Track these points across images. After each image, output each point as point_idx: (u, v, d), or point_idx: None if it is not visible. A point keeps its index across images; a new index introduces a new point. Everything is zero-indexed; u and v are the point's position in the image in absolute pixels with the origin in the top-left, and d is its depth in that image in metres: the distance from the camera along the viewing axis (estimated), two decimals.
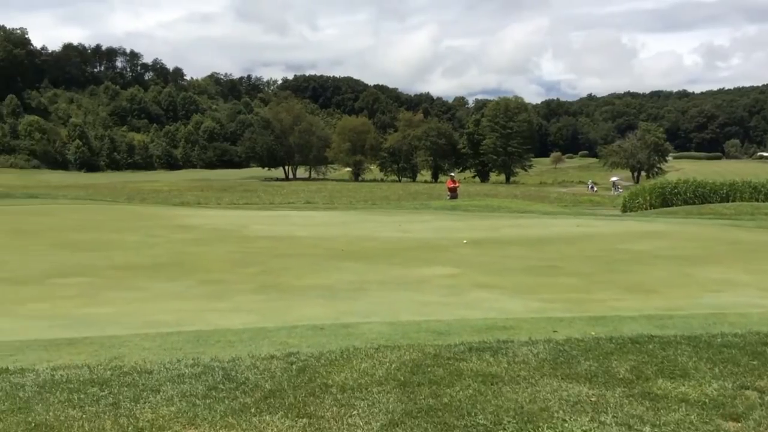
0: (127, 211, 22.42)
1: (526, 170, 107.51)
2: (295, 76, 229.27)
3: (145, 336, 5.99)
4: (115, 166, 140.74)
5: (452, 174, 45.32)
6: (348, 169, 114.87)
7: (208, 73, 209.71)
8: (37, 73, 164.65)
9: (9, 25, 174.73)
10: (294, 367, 5.01)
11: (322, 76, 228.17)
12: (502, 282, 9.54)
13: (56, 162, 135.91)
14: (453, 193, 36.56)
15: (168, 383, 4.59)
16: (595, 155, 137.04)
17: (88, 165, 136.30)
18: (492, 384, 4.72)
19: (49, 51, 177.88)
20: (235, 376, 4.76)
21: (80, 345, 5.67)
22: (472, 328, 6.47)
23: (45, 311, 7.22)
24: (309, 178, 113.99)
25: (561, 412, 4.23)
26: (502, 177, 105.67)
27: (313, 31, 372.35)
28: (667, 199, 35.32)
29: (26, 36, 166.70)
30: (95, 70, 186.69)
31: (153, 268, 10.31)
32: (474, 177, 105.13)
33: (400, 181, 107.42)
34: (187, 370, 4.87)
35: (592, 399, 4.49)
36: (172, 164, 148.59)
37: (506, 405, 4.31)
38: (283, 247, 13.47)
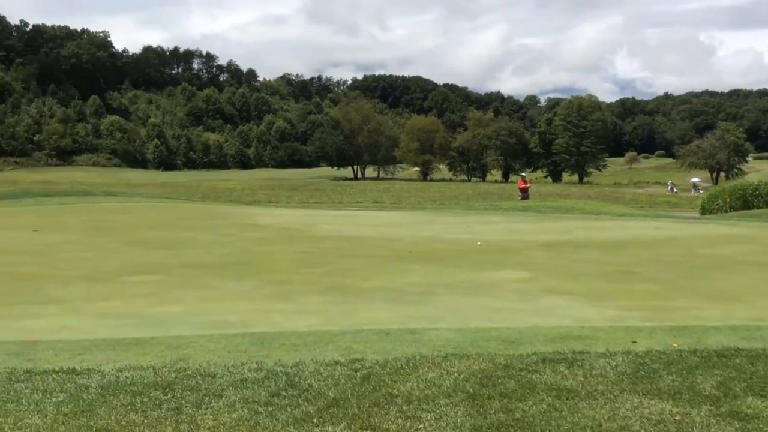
0: (201, 210, 22.85)
1: (600, 170, 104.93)
2: (364, 76, 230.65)
3: (211, 337, 5.95)
4: (191, 165, 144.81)
5: (523, 174, 44.55)
6: (416, 168, 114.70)
7: (280, 74, 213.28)
8: (119, 75, 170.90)
9: (93, 29, 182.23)
10: (358, 374, 4.85)
11: (391, 76, 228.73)
12: (577, 287, 9.17)
13: (136, 161, 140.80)
14: (524, 193, 35.91)
15: (231, 388, 4.50)
16: (671, 155, 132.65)
17: (166, 164, 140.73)
18: (567, 399, 4.45)
19: (130, 53, 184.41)
20: (299, 383, 4.64)
21: (147, 345, 5.66)
22: (545, 337, 6.17)
23: (115, 309, 7.29)
24: (377, 178, 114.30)
25: (642, 431, 3.93)
26: (575, 177, 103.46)
27: (383, 31, 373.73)
28: (748, 201, 33.76)
29: (108, 39, 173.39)
30: (173, 71, 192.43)
31: (222, 267, 10.37)
32: (546, 177, 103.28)
33: (469, 180, 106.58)
34: (250, 375, 4.78)
35: (676, 418, 4.16)
36: (245, 163, 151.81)
37: (583, 422, 4.04)
38: (350, 247, 13.38)
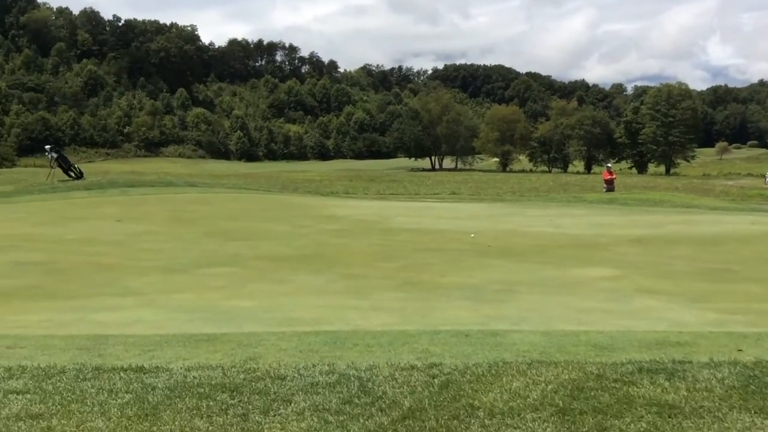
0: (279, 201, 22.97)
1: (688, 161, 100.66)
2: (445, 65, 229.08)
3: (282, 335, 5.72)
4: (272, 156, 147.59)
5: (609, 165, 43.00)
6: (495, 159, 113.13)
7: (361, 65, 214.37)
8: (205, 68, 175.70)
9: (181, 23, 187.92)
10: (436, 381, 4.50)
11: (472, 65, 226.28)
12: (671, 287, 8.53)
13: (219, 152, 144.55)
14: (609, 185, 34.61)
15: (300, 393, 4.24)
16: (765, 145, 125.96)
17: (248, 155, 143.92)
18: (670, 417, 3.98)
19: (216, 47, 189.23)
20: (372, 389, 4.33)
21: (218, 342, 5.49)
22: (639, 343, 5.66)
23: (189, 303, 7.19)
24: (455, 169, 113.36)
25: None
26: (661, 168, 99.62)
27: (465, 19, 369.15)
28: None
29: (196, 33, 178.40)
30: (257, 64, 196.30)
31: (297, 260, 10.21)
32: (631, 168, 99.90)
33: (550, 171, 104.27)
34: (321, 378, 4.51)
35: None
36: (324, 154, 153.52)
37: None
38: (427, 240, 13.03)
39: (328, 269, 9.42)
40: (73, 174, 27.05)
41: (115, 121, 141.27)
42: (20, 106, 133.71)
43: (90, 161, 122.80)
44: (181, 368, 4.71)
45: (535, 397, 4.24)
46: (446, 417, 3.91)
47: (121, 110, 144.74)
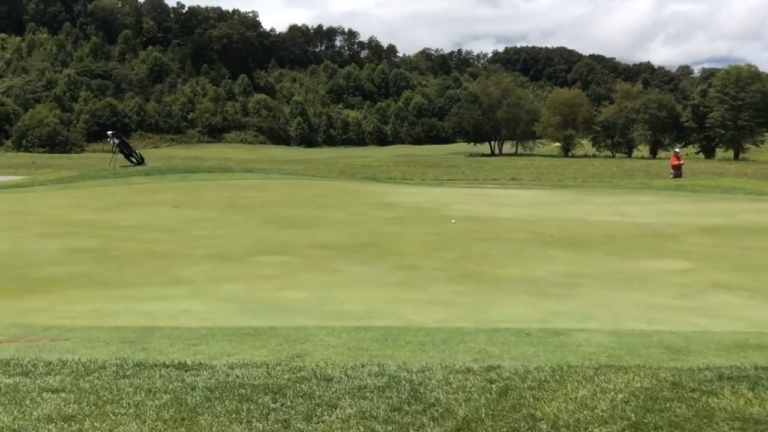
0: (335, 187, 22.81)
1: (757, 146, 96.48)
2: (505, 48, 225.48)
3: (332, 330, 5.46)
4: (330, 141, 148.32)
5: (677, 150, 41.44)
6: (557, 144, 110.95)
7: (420, 49, 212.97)
8: (266, 54, 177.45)
9: (243, 9, 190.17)
10: (494, 387, 4.15)
11: (533, 48, 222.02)
12: (749, 282, 7.92)
13: (279, 138, 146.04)
14: (677, 170, 33.24)
15: (347, 397, 3.95)
16: None
17: (307, 141, 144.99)
18: None
19: (277, 32, 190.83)
20: (424, 394, 4.01)
21: (265, 337, 5.26)
22: (718, 346, 5.19)
23: (239, 293, 7.01)
24: (515, 154, 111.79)
25: None
26: (729, 153, 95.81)
27: (525, 1, 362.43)
28: None
29: (257, 19, 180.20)
30: (316, 49, 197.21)
31: (351, 249, 9.95)
32: (697, 153, 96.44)
33: (614, 156, 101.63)
34: (370, 381, 4.21)
35: None
36: (382, 140, 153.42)
37: None
38: (485, 229, 12.60)
39: (382, 259, 9.13)
40: (134, 160, 27.50)
41: (179, 108, 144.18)
42: (88, 92, 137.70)
43: (155, 147, 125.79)
44: (224, 365, 4.49)
45: (604, 408, 3.84)
46: (505, 429, 3.57)
47: (185, 97, 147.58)
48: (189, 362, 4.53)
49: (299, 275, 7.98)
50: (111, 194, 17.11)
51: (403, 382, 4.20)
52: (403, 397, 3.97)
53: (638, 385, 4.24)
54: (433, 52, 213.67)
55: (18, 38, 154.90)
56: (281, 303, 6.56)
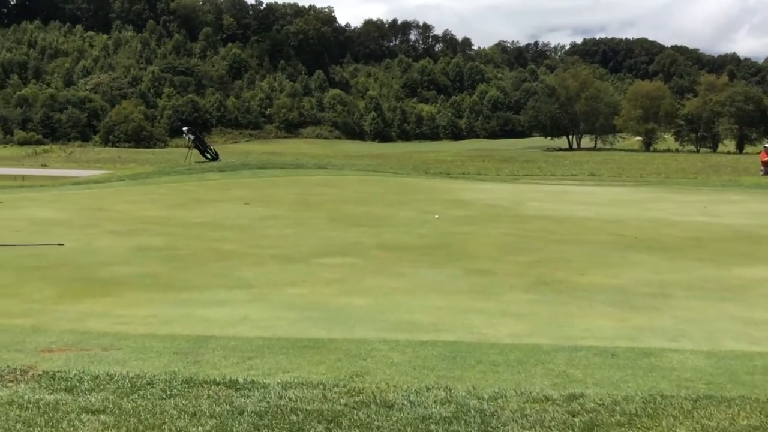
0: (405, 184, 22.42)
1: None
2: (583, 40, 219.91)
3: (396, 344, 5.06)
4: (404, 136, 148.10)
5: (766, 144, 39.15)
6: (638, 138, 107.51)
7: (495, 42, 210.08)
8: (341, 49, 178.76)
9: (319, 5, 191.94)
10: (577, 421, 3.66)
11: (612, 39, 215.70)
12: None
13: (354, 133, 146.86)
14: (767, 167, 31.40)
15: (408, 429, 3.54)
16: None
17: (381, 135, 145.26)
18: None
19: (352, 27, 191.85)
20: (496, 429, 3.56)
21: (324, 351, 4.91)
22: None
23: (301, 298, 6.70)
24: (594, 148, 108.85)
25: None
26: None
27: None
28: None
29: (333, 14, 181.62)
30: (390, 44, 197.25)
31: (419, 251, 9.53)
32: None
33: (697, 151, 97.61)
34: (435, 410, 3.79)
35: None
36: (456, 134, 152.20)
37: None
38: (562, 230, 11.94)
39: (452, 263, 8.67)
40: (209, 156, 27.86)
41: (258, 103, 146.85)
42: (171, 89, 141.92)
43: (235, 142, 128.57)
44: (278, 384, 4.15)
45: None
46: None
47: (263, 92, 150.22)
48: (241, 380, 4.21)
49: (364, 279, 7.62)
50: (184, 191, 17.23)
51: (473, 412, 3.76)
52: (472, 430, 3.53)
53: (744, 422, 3.67)
54: (508, 45, 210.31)
55: (105, 36, 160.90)
56: (343, 310, 6.20)
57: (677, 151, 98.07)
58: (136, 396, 3.89)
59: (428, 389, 4.10)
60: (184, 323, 5.67)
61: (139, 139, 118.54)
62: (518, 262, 8.70)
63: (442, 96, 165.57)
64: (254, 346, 5.02)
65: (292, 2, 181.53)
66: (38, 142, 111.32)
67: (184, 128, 30.58)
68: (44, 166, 63.06)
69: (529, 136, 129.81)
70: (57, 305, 6.18)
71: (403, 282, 7.48)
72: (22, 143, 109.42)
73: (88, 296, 6.55)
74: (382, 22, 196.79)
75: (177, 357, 4.71)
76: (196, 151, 27.61)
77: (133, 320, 5.70)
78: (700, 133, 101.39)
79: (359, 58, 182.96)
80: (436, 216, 13.08)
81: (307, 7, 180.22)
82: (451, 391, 4.07)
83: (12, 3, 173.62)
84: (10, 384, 4.01)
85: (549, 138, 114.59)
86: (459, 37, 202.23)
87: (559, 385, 4.23)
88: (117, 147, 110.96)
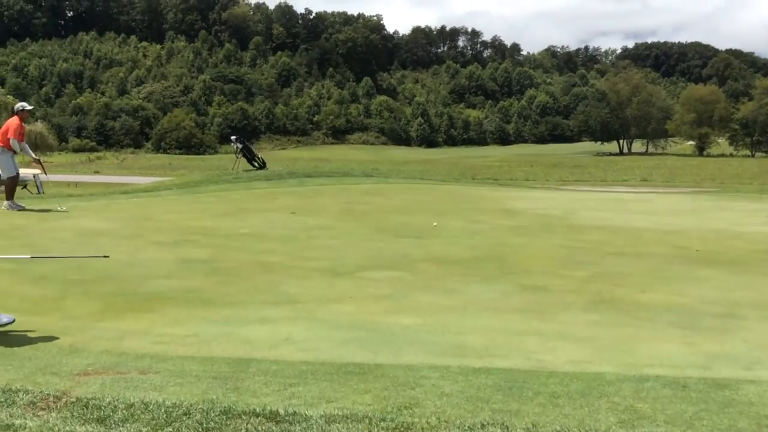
0: (453, 192, 22.05)
1: None
2: (635, 44, 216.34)
3: (446, 371, 4.74)
4: (451, 142, 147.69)
5: None
6: (691, 142, 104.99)
7: (545, 47, 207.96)
8: (389, 56, 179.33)
9: (368, 13, 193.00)
10: None
11: (665, 43, 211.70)
12: None
13: (400, 138, 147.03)
14: None
15: None
16: None
17: (428, 141, 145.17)
18: None
19: (400, 35, 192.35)
20: None
21: (370, 377, 4.62)
22: None
23: (346, 316, 6.43)
24: (645, 153, 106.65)
25: None
26: None
27: None
28: None
29: (381, 22, 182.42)
30: (438, 50, 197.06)
31: (468, 264, 9.18)
32: None
33: (753, 156, 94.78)
34: None
35: None
36: (504, 139, 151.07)
37: None
38: (619, 241, 11.44)
39: (504, 277, 8.30)
40: (256, 164, 27.94)
41: (306, 111, 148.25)
42: (222, 97, 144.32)
43: (282, 149, 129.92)
44: (320, 417, 3.88)
45: None
46: None
47: (311, 100, 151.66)
48: (282, 411, 3.95)
49: (412, 295, 7.32)
50: (231, 200, 17.21)
51: None
52: None
53: None
54: (558, 50, 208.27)
55: (158, 46, 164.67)
56: (391, 330, 5.91)
57: (731, 155, 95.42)
58: (171, 429, 3.66)
59: (483, 426, 3.77)
60: (225, 344, 5.45)
61: (190, 146, 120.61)
62: (574, 278, 8.28)
63: (489, 101, 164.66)
64: (297, 371, 4.76)
65: (341, 11, 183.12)
66: (92, 149, 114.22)
67: (232, 137, 30.80)
68: (96, 172, 64.58)
69: (579, 140, 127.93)
70: (98, 322, 6.05)
71: (453, 299, 7.16)
72: (77, 150, 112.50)
73: (129, 312, 6.40)
74: (430, 28, 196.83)
75: (216, 383, 4.48)
76: (243, 160, 27.74)
77: (173, 340, 5.51)
78: (756, 138, 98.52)
79: (407, 64, 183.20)
80: (435, 224, 12.71)
81: (355, 15, 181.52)
82: (508, 428, 3.74)
83: (69, 15, 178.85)
84: (41, 412, 3.83)
85: (599, 143, 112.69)
86: (508, 42, 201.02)
87: (626, 422, 3.86)
88: (168, 154, 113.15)
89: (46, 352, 5.06)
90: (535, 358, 5.15)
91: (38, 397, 4.04)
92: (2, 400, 3.98)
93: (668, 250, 10.58)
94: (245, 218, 13.73)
